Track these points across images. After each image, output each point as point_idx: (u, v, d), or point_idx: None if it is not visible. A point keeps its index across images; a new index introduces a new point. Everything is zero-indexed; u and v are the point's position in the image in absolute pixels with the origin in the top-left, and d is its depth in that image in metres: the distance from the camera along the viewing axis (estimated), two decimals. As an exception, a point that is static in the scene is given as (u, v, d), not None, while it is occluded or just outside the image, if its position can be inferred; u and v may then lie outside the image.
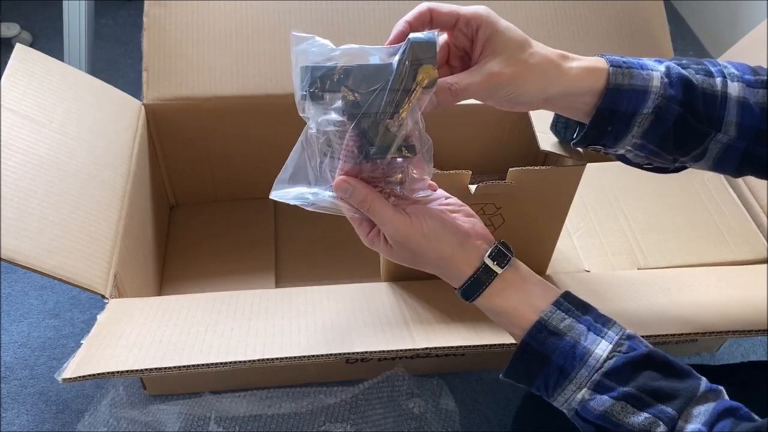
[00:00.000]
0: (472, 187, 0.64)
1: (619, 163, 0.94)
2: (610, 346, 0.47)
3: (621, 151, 0.55)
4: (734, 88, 0.53)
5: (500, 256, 0.51)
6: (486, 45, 0.50)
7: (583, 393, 0.47)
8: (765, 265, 0.80)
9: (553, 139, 0.65)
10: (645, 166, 0.58)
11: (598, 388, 0.47)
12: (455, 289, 0.53)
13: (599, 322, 0.49)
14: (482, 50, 0.50)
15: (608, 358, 0.47)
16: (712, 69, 0.54)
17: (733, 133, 0.53)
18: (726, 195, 0.92)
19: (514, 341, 0.65)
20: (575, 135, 0.56)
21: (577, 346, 0.48)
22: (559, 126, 0.63)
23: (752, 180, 0.90)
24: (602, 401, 0.46)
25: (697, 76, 0.52)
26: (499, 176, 0.65)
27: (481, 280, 0.51)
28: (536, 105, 0.52)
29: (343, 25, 0.95)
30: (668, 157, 0.54)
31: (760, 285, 0.74)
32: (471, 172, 0.63)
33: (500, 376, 0.53)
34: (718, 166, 0.56)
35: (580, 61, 0.52)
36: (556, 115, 0.62)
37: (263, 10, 0.94)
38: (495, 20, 0.50)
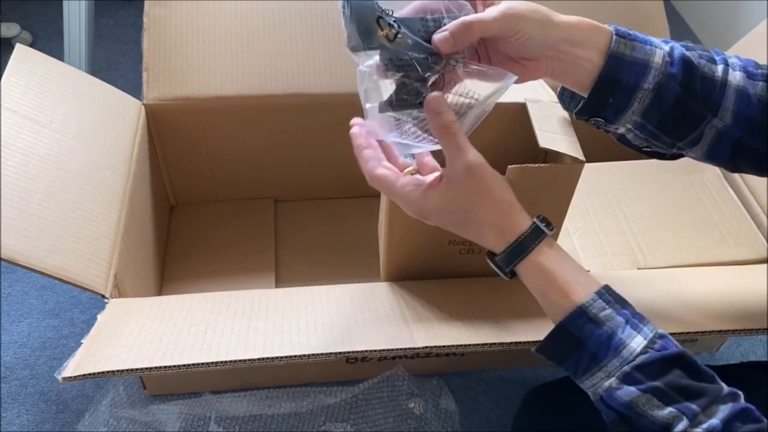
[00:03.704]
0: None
1: (619, 163, 0.95)
2: (645, 341, 0.48)
3: (621, 130, 0.56)
4: (735, 77, 0.54)
5: (546, 221, 0.52)
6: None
7: (612, 381, 0.48)
8: (765, 265, 0.80)
9: (553, 137, 0.65)
10: (644, 149, 0.58)
11: (627, 379, 0.48)
12: (497, 254, 0.52)
13: (636, 318, 0.50)
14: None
15: (642, 353, 0.48)
16: (716, 57, 0.55)
17: (729, 120, 0.54)
18: (726, 195, 0.92)
19: (515, 340, 0.65)
20: (579, 104, 0.57)
21: (614, 336, 0.49)
22: (565, 96, 0.64)
23: (752, 180, 0.90)
24: (629, 392, 0.47)
25: (700, 60, 0.54)
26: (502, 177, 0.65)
27: (527, 241, 0.51)
28: (544, 52, 0.53)
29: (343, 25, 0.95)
30: (666, 140, 0.55)
31: (760, 285, 0.74)
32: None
33: (532, 350, 0.54)
34: (712, 154, 0.56)
35: (581, 19, 0.53)
36: (562, 86, 0.63)
37: (263, 10, 0.94)
38: None
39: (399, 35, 0.48)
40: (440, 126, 0.50)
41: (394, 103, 0.51)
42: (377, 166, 0.53)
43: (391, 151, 0.56)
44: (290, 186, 1.08)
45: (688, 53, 0.53)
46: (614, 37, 0.52)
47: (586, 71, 0.53)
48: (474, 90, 0.53)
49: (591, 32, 0.53)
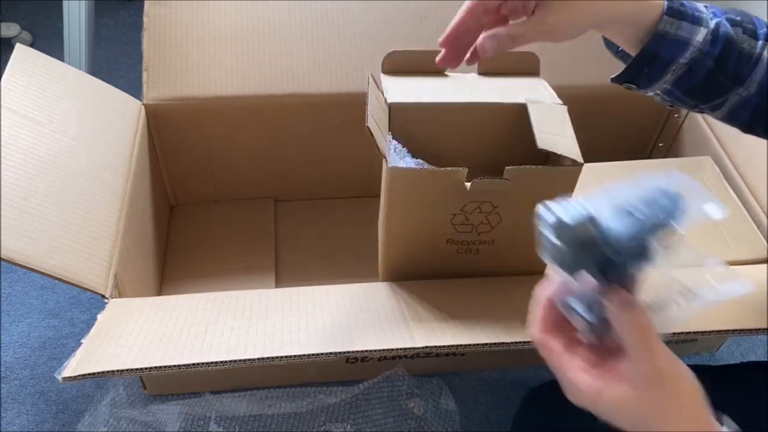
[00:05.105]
0: (468, 185, 0.64)
1: (619, 163, 0.95)
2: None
3: (650, 93, 0.58)
4: None
5: None
6: (538, 1, 0.52)
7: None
8: (765, 265, 0.80)
9: (552, 138, 0.65)
10: (667, 105, 0.61)
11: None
12: None
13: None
14: (536, 5, 0.53)
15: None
16: (759, 31, 0.56)
17: (753, 90, 0.55)
18: (726, 195, 0.92)
19: (515, 340, 0.65)
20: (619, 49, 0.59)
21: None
22: (607, 41, 0.64)
23: (752, 180, 0.90)
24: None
25: (743, 35, 0.55)
26: (499, 177, 0.65)
27: None
28: (586, 32, 0.54)
29: (343, 26, 0.95)
30: (690, 103, 0.58)
31: (760, 285, 0.74)
32: (467, 169, 0.63)
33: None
34: (731, 118, 0.59)
35: None
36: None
37: (263, 10, 0.94)
38: None
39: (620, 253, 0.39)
40: (628, 322, 0.41)
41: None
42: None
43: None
44: (290, 186, 1.08)
45: (732, 31, 0.54)
46: (664, 17, 0.53)
47: (628, 41, 0.55)
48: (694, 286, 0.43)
49: (637, 9, 0.53)
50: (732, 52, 0.54)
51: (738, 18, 0.55)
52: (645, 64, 0.54)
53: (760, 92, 0.56)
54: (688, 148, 1.03)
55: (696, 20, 0.53)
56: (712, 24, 0.54)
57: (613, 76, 0.58)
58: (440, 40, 0.55)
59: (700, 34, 0.53)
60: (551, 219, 0.39)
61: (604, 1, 0.52)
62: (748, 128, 0.59)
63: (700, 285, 0.42)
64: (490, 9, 0.54)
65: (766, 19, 0.60)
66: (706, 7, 0.55)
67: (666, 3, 0.53)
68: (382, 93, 0.71)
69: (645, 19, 0.53)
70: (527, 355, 0.97)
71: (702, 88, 0.55)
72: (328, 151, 1.03)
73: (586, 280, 0.41)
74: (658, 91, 0.57)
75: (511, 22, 0.54)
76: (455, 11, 0.55)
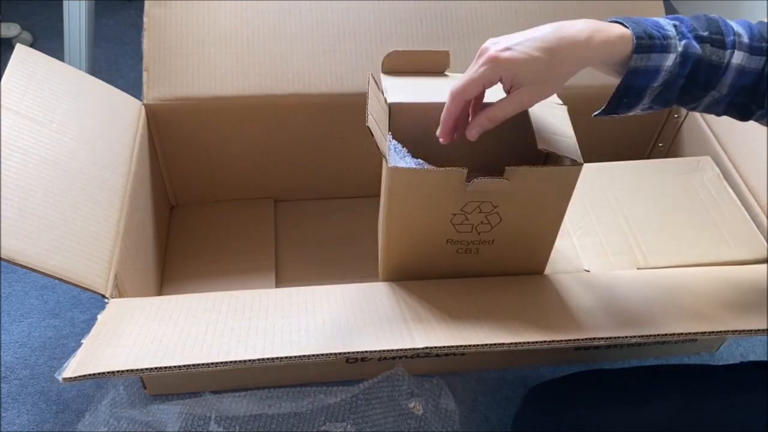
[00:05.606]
0: (468, 185, 0.64)
1: (618, 163, 0.95)
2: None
3: (631, 113, 0.61)
4: (738, 57, 0.56)
5: None
6: (513, 84, 0.56)
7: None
8: (765, 265, 0.80)
9: (552, 138, 0.66)
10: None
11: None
12: None
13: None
14: (510, 88, 0.57)
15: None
16: (727, 40, 0.57)
17: (724, 91, 0.57)
18: (726, 195, 0.92)
19: (515, 340, 0.65)
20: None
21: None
22: None
23: (752, 180, 0.90)
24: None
25: (711, 47, 0.56)
26: (499, 177, 0.65)
27: None
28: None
29: (343, 26, 0.95)
30: (667, 110, 0.61)
31: (760, 285, 0.74)
32: (467, 169, 0.63)
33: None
34: (705, 111, 0.62)
35: (607, 34, 0.56)
36: None
37: (263, 10, 0.94)
38: (509, 62, 0.55)
39: None
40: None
41: None
42: None
43: None
44: (290, 186, 1.08)
45: (700, 50, 0.55)
46: (634, 55, 0.54)
47: (606, 74, 0.60)
48: None
49: (610, 53, 0.55)
50: (702, 67, 0.56)
51: (705, 34, 0.56)
52: (622, 95, 0.57)
53: (731, 92, 0.58)
54: (687, 148, 1.03)
55: (664, 48, 0.55)
56: (680, 47, 0.55)
57: (595, 113, 0.60)
58: (438, 132, 0.63)
59: (670, 60, 0.55)
60: None
61: (570, 63, 0.55)
62: (721, 114, 0.62)
63: None
64: (470, 98, 0.60)
65: (766, 19, 0.60)
66: (675, 26, 0.57)
67: (635, 40, 0.55)
68: (382, 93, 0.71)
69: (614, 59, 0.56)
70: (527, 355, 0.97)
71: (678, 99, 0.58)
72: (328, 151, 1.03)
73: None
74: (638, 111, 0.60)
75: (490, 109, 0.60)
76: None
